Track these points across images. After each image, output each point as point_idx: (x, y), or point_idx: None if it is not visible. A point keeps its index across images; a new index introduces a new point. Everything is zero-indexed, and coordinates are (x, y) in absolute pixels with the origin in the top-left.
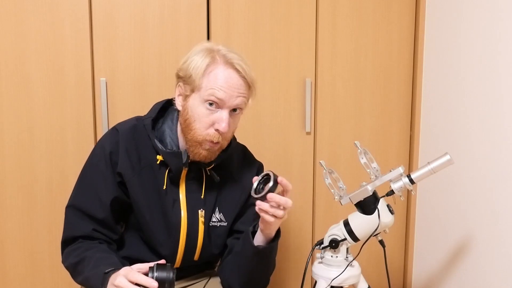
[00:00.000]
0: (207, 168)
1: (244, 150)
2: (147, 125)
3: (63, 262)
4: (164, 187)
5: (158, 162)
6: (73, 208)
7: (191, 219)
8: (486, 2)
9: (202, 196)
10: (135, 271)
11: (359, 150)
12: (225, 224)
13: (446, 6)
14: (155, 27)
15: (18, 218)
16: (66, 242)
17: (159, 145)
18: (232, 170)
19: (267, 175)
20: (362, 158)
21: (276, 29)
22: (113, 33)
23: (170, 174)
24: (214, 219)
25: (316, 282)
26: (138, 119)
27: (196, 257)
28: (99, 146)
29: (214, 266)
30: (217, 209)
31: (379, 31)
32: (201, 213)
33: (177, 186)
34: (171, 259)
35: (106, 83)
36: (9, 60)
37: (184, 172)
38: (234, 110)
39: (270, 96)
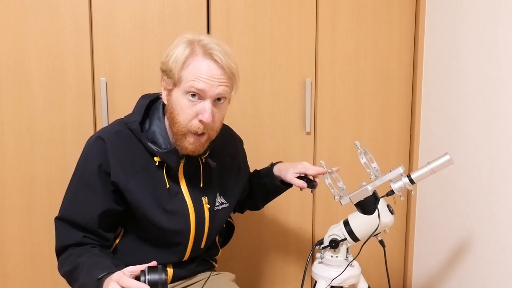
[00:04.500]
0: (202, 157)
1: (228, 131)
2: (135, 129)
3: (59, 270)
4: (167, 186)
5: (156, 164)
6: (62, 220)
7: (197, 207)
8: (486, 2)
9: (201, 185)
10: (127, 276)
11: (359, 150)
12: (227, 205)
13: (446, 6)
14: (155, 27)
15: (18, 218)
16: (59, 252)
17: (153, 147)
18: (224, 153)
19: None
20: (362, 158)
21: (276, 29)
22: (113, 33)
23: (170, 172)
24: (217, 203)
25: (316, 282)
26: (121, 123)
27: (203, 244)
28: (85, 158)
29: (215, 259)
30: (217, 193)
31: (379, 31)
32: (204, 200)
33: (176, 180)
34: (181, 252)
35: (106, 83)
36: (9, 60)
37: (181, 165)
38: (218, 99)
39: (270, 96)
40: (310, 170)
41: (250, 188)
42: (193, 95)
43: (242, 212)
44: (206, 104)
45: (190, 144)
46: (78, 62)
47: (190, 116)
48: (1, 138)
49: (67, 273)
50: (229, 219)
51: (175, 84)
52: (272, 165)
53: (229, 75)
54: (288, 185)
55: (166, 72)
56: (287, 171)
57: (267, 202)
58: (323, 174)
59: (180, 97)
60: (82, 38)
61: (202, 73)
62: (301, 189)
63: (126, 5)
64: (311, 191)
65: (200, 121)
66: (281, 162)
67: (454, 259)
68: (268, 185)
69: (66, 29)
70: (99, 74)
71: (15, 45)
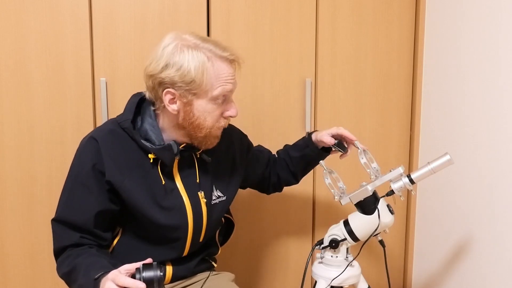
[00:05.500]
0: (197, 152)
1: None
2: (128, 128)
3: (57, 272)
4: (163, 182)
5: (151, 161)
6: (58, 222)
7: (194, 203)
8: (486, 2)
9: (197, 180)
10: (123, 275)
11: (359, 150)
12: (224, 198)
13: (446, 6)
14: (155, 27)
15: (18, 218)
16: (57, 253)
17: (148, 144)
18: (217, 146)
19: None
20: (362, 158)
21: (276, 29)
22: (113, 33)
23: (164, 168)
24: (213, 197)
25: (316, 282)
26: (113, 122)
27: (201, 238)
28: (78, 159)
29: (214, 258)
30: (214, 187)
31: (379, 31)
32: (200, 194)
33: (171, 176)
34: (180, 247)
35: (106, 83)
36: (9, 60)
37: (175, 162)
38: None
39: (270, 96)
40: (341, 130)
41: (287, 163)
42: (222, 98)
43: (280, 190)
44: (231, 101)
45: (216, 138)
46: (78, 62)
47: (217, 117)
48: (1, 138)
49: (66, 274)
50: (229, 216)
51: (195, 94)
52: (309, 134)
53: (234, 66)
54: (328, 151)
55: (175, 84)
56: (321, 133)
57: (306, 174)
58: (351, 141)
59: (206, 104)
60: (82, 38)
61: (225, 75)
62: (330, 151)
63: (126, 5)
64: (340, 156)
65: (227, 117)
66: (316, 131)
67: (454, 259)
68: (309, 156)
69: (66, 29)
70: (99, 74)
71: (15, 45)
